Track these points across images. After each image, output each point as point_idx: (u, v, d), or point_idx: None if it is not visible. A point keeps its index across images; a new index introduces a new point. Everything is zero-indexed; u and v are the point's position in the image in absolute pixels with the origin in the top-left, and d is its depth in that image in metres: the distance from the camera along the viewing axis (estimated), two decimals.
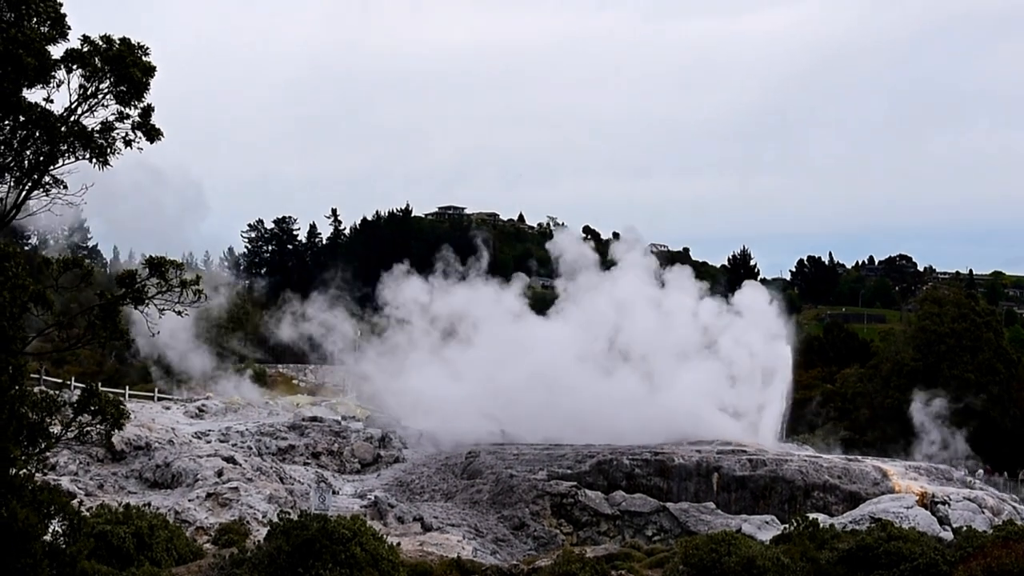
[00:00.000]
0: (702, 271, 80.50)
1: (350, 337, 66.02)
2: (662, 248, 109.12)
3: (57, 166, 17.21)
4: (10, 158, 16.97)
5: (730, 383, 57.02)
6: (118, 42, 17.15)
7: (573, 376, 54.98)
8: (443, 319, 60.56)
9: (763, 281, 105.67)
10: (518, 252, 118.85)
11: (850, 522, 38.43)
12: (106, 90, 17.05)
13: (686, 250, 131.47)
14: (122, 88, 17.01)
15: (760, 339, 57.74)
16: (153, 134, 17.40)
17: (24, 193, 17.23)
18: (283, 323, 66.80)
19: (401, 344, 60.48)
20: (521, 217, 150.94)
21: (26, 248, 70.77)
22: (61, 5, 16.77)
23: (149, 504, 34.43)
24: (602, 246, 70.87)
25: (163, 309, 17.38)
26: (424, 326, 60.67)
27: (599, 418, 53.02)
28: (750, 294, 61.65)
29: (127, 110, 17.21)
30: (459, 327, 60.04)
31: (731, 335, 57.90)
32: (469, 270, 64.29)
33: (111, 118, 17.18)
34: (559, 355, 55.80)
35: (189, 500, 39.34)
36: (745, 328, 58.02)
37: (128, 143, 17.26)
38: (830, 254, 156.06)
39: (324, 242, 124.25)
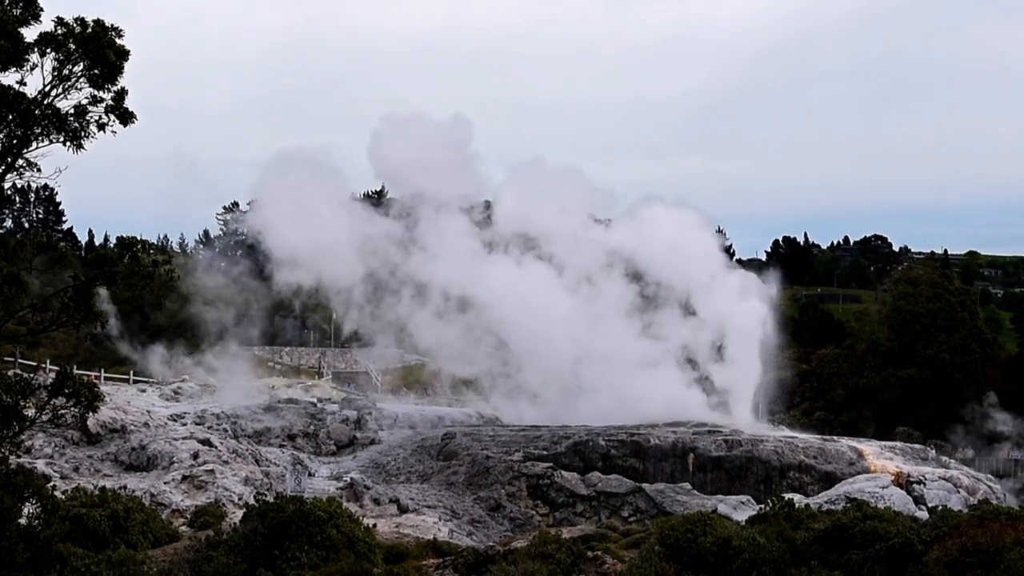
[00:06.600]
0: None
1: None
2: None
3: (31, 149, 17.11)
4: None
5: (707, 362, 56.96)
6: (92, 23, 17.06)
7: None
8: None
9: (739, 262, 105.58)
10: None
11: (826, 502, 38.54)
12: (80, 73, 16.96)
13: None
14: (95, 71, 16.92)
15: (739, 319, 57.23)
16: (126, 117, 17.32)
17: None
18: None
19: None
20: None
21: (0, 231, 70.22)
22: None
23: (125, 487, 34.32)
24: None
25: (136, 289, 17.37)
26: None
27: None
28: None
29: (100, 93, 17.13)
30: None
31: (707, 313, 57.65)
32: None
33: (84, 101, 17.11)
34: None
35: (165, 483, 39.22)
36: (723, 307, 57.47)
37: (101, 127, 17.19)
38: (805, 235, 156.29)
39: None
